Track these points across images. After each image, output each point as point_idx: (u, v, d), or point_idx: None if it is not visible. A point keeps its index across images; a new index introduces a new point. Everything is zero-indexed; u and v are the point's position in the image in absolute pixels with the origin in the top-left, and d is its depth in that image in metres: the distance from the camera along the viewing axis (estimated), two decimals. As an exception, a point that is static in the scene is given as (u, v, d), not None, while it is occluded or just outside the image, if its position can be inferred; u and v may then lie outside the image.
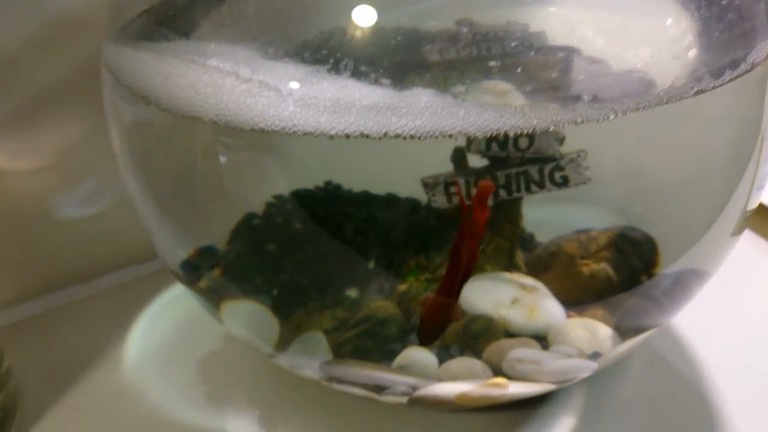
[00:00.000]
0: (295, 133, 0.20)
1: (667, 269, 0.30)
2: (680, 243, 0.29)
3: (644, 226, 0.30)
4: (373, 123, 0.20)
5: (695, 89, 0.21)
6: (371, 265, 0.32)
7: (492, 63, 0.24)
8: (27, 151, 0.37)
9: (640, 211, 0.30)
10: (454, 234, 0.33)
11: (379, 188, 0.33)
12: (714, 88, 0.22)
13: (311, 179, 0.32)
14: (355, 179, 0.33)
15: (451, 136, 0.20)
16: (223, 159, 0.26)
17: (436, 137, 0.20)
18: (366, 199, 0.35)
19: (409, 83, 0.22)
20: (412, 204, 0.36)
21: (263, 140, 0.26)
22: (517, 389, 0.28)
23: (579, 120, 0.20)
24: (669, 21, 0.24)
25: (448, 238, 0.34)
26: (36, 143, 0.37)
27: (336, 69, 0.23)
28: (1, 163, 0.36)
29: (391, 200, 0.36)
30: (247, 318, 0.32)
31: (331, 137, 0.20)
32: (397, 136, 0.20)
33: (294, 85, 0.21)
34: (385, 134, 0.20)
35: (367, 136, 0.20)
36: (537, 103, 0.20)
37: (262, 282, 0.31)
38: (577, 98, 0.21)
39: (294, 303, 0.31)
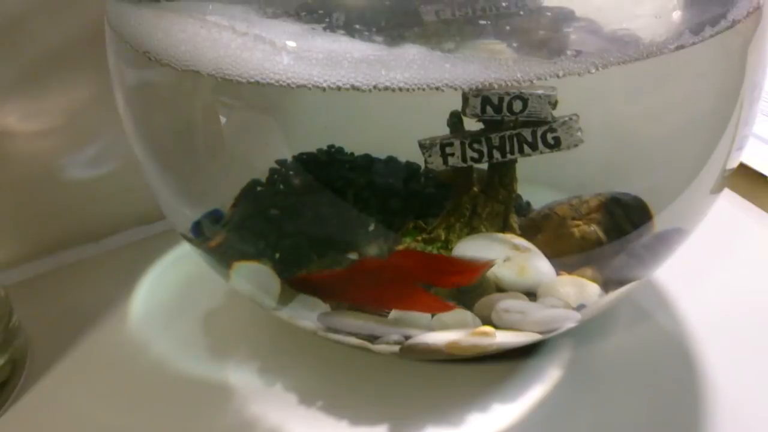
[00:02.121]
0: (289, 85, 0.21)
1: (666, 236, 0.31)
2: (660, 199, 0.30)
3: (625, 182, 0.31)
4: (363, 75, 0.21)
5: (675, 45, 0.22)
6: (371, 227, 0.33)
7: (486, 23, 0.25)
8: (35, 113, 0.38)
9: (621, 168, 0.31)
10: (450, 200, 0.34)
11: (375, 145, 0.34)
12: (694, 44, 0.23)
13: (309, 138, 0.32)
14: (352, 137, 0.34)
15: (438, 88, 0.21)
16: (223, 118, 0.27)
17: (424, 90, 0.21)
18: (367, 162, 0.36)
19: (402, 41, 0.23)
20: (412, 169, 0.37)
21: (262, 97, 0.27)
22: (503, 338, 0.30)
23: (561, 73, 0.21)
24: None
25: (446, 204, 0.35)
26: (44, 104, 0.38)
27: (331, 28, 0.24)
28: (10, 124, 0.37)
29: (391, 164, 0.37)
30: (250, 278, 0.33)
31: (324, 89, 0.21)
32: (386, 88, 0.21)
33: (289, 40, 0.22)
34: (375, 86, 0.21)
35: (358, 89, 0.21)
36: (521, 57, 0.21)
37: (265, 246, 0.33)
38: (561, 53, 0.22)
39: (295, 265, 0.32)
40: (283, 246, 0.33)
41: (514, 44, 0.23)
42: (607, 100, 0.27)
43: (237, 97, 0.26)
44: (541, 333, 0.30)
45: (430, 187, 0.36)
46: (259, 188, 0.34)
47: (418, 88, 0.21)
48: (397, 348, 0.30)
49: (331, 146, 0.35)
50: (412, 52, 0.21)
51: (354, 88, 0.21)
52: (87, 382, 0.34)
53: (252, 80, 0.21)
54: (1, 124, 0.37)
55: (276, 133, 0.30)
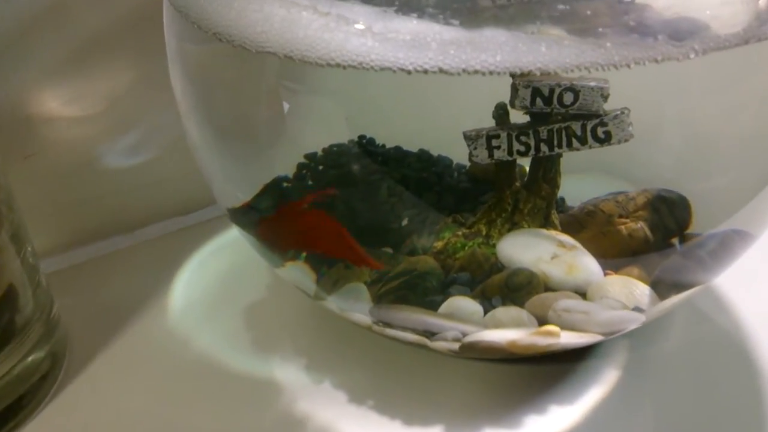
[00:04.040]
0: (372, 68, 0.20)
1: (714, 229, 0.30)
2: (730, 202, 0.29)
3: (698, 181, 0.30)
4: (452, 58, 0.20)
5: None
6: (405, 222, 0.33)
7: (542, 8, 0.24)
8: (77, 99, 0.37)
9: (691, 167, 0.30)
10: (488, 194, 0.33)
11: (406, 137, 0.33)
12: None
13: (369, 122, 0.32)
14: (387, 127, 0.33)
15: (530, 72, 0.20)
16: (286, 102, 0.26)
17: (515, 73, 0.20)
18: (400, 155, 0.35)
19: (481, 24, 0.22)
20: (444, 163, 0.36)
21: (328, 83, 0.26)
22: (567, 339, 0.29)
23: (659, 58, 0.20)
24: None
25: (480, 199, 0.34)
26: (86, 91, 0.37)
27: (402, 10, 0.23)
28: (53, 108, 0.36)
29: (424, 157, 0.36)
30: (288, 272, 0.33)
31: (409, 72, 0.20)
32: (476, 71, 0.20)
33: (367, 22, 0.21)
34: (464, 70, 0.20)
35: (446, 72, 0.20)
36: (617, 40, 0.20)
37: None
38: (654, 37, 0.21)
39: (330, 260, 0.31)
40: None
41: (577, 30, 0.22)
42: (684, 94, 0.26)
43: (302, 80, 0.25)
44: (603, 334, 0.30)
45: (464, 182, 0.36)
46: (285, 184, 0.33)
47: (510, 72, 0.20)
48: (456, 346, 0.29)
49: (362, 137, 0.35)
50: (498, 34, 0.20)
51: (442, 71, 0.20)
52: (127, 377, 0.33)
53: (332, 63, 0.21)
54: (44, 109, 0.36)
55: (337, 117, 0.29)
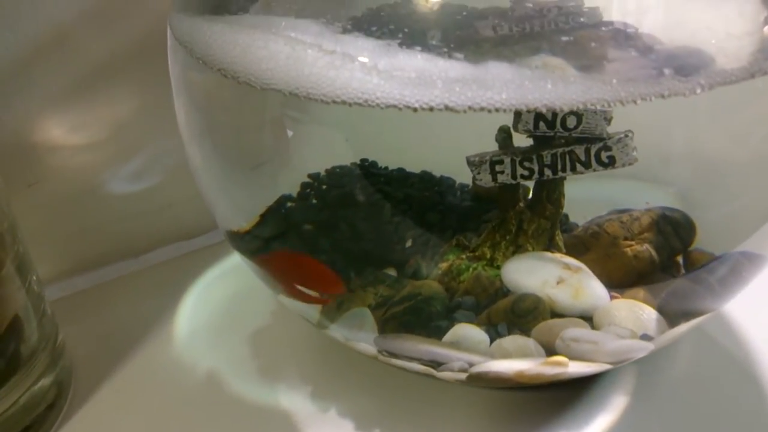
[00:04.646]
0: (378, 105, 0.20)
1: (726, 253, 0.30)
2: (742, 227, 0.29)
3: (707, 207, 0.30)
4: (458, 96, 0.20)
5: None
6: (409, 243, 0.32)
7: (544, 39, 0.24)
8: (81, 126, 0.37)
9: (703, 192, 0.30)
10: (492, 212, 0.33)
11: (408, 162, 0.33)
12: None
13: (374, 152, 0.32)
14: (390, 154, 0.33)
15: (536, 109, 0.20)
16: (290, 132, 0.26)
17: (522, 111, 0.20)
18: (402, 176, 0.35)
19: (485, 58, 0.22)
20: (447, 184, 0.36)
21: (331, 113, 0.26)
22: (576, 369, 0.28)
23: (666, 93, 0.20)
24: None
25: (484, 218, 0.34)
26: (90, 118, 0.37)
27: (407, 44, 0.23)
28: (57, 137, 0.36)
29: (426, 177, 0.36)
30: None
31: (415, 110, 0.20)
32: (482, 109, 0.20)
33: (375, 58, 0.21)
34: (470, 107, 0.20)
35: (452, 109, 0.20)
36: (623, 76, 0.20)
37: None
38: (659, 74, 0.21)
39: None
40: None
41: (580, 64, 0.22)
42: (690, 121, 0.26)
43: (306, 110, 0.25)
44: (612, 364, 0.29)
45: (467, 201, 0.36)
46: (289, 204, 0.33)
47: (516, 110, 0.20)
48: (463, 376, 0.29)
49: (364, 160, 0.35)
50: (504, 70, 0.20)
51: (447, 108, 0.20)
52: (133, 405, 0.33)
53: (338, 100, 0.20)
54: (48, 137, 0.36)
55: (340, 145, 0.29)
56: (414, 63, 0.21)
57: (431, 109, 0.20)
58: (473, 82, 0.20)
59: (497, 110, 0.20)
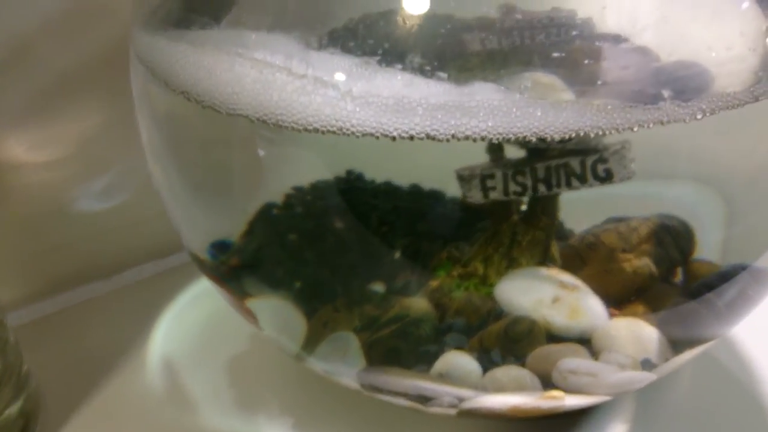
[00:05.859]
0: (353, 134, 0.19)
1: (729, 264, 0.29)
2: (751, 247, 0.27)
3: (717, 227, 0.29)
4: (440, 124, 0.18)
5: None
6: (397, 256, 0.31)
7: (534, 53, 0.22)
8: (44, 143, 0.35)
9: (712, 212, 0.29)
10: (484, 221, 0.31)
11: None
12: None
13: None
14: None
15: (524, 137, 0.18)
16: (260, 153, 0.24)
17: (509, 139, 0.18)
18: (390, 190, 0.34)
19: (470, 78, 0.20)
20: (436, 195, 0.35)
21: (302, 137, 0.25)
22: (573, 402, 0.27)
23: (665, 120, 0.18)
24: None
25: (475, 226, 0.33)
26: (53, 134, 0.35)
27: (386, 61, 0.21)
28: (18, 155, 0.35)
29: (415, 192, 0.35)
30: (273, 316, 0.31)
31: (394, 138, 0.18)
32: (467, 138, 0.18)
33: (348, 80, 0.20)
34: (453, 136, 0.18)
35: (434, 138, 0.18)
36: (619, 102, 0.19)
37: (283, 275, 0.30)
38: (656, 96, 0.19)
39: (320, 298, 0.30)
40: (303, 275, 0.30)
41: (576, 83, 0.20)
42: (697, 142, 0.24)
43: (279, 134, 0.24)
44: (611, 395, 0.28)
45: (458, 211, 0.34)
46: (274, 211, 0.32)
47: (502, 138, 0.18)
48: (453, 412, 0.27)
49: (350, 172, 0.33)
50: (490, 94, 0.19)
51: (429, 137, 0.18)
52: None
53: (310, 128, 0.19)
54: (8, 155, 0.35)
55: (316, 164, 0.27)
56: (393, 86, 0.19)
57: (411, 138, 0.18)
58: (457, 110, 0.18)
59: (482, 139, 0.18)
